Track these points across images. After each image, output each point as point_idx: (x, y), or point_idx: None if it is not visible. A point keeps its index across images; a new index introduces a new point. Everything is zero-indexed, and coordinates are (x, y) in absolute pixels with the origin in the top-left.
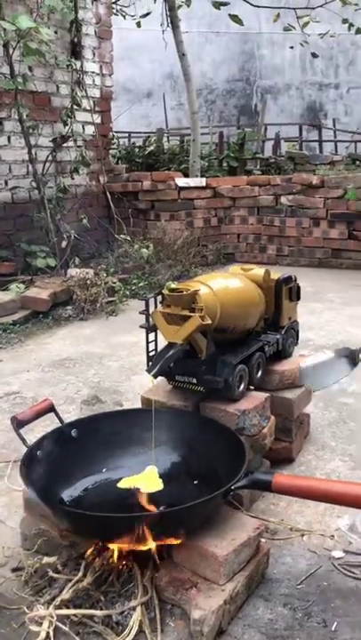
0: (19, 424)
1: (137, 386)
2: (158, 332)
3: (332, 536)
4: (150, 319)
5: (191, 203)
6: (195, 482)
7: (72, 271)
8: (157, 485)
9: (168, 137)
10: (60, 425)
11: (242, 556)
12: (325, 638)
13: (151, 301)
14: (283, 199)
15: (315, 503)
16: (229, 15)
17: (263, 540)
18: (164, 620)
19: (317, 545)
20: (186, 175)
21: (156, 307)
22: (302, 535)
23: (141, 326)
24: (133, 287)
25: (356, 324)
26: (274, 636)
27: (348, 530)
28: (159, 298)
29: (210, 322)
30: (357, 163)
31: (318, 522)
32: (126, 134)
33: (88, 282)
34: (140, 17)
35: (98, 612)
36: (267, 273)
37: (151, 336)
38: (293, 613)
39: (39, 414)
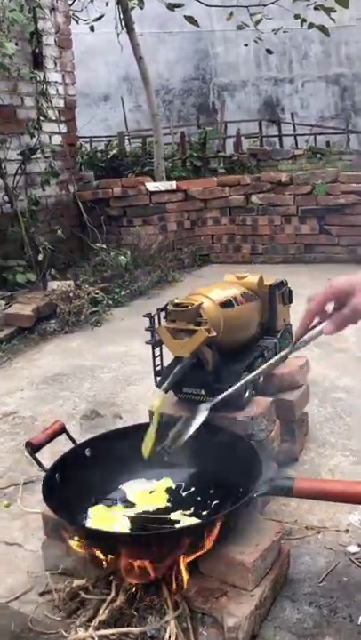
0: (34, 449)
1: (134, 396)
2: (162, 345)
3: (347, 530)
4: (156, 335)
5: (163, 207)
6: (210, 491)
7: (53, 284)
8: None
9: (129, 139)
10: (73, 445)
11: (267, 561)
12: (353, 632)
13: (136, 311)
14: (253, 198)
15: (324, 502)
16: (185, 17)
17: (282, 541)
18: (196, 629)
19: (332, 542)
20: (152, 177)
21: (158, 322)
22: (318, 532)
23: (147, 342)
24: (116, 296)
25: None
26: (304, 635)
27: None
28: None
29: (215, 334)
30: (318, 155)
31: (330, 519)
32: (87, 139)
33: (70, 294)
34: (93, 21)
35: (135, 630)
36: (261, 279)
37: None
38: (320, 611)
39: (52, 436)
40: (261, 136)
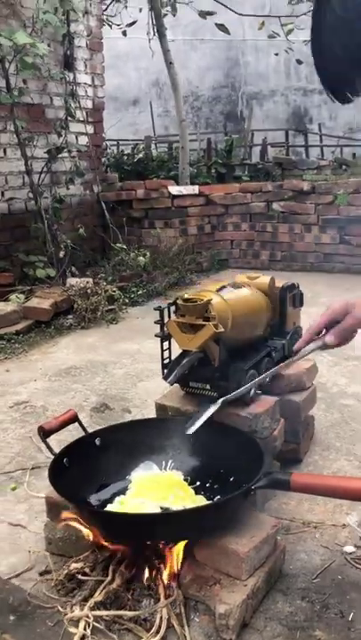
0: (45, 434)
1: (143, 392)
2: (171, 340)
3: (344, 525)
4: (165, 328)
5: (185, 210)
6: (215, 486)
7: (72, 280)
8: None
9: (156, 144)
10: (82, 434)
11: (262, 553)
12: (343, 628)
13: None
14: (275, 205)
15: (324, 501)
16: (216, 24)
17: (279, 537)
18: (188, 615)
19: (329, 541)
20: (176, 182)
21: (169, 316)
22: (315, 527)
23: (156, 335)
24: (132, 295)
25: None
26: (295, 627)
27: (358, 525)
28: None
29: (223, 330)
30: (344, 167)
31: (329, 519)
32: (114, 142)
33: (88, 291)
34: (127, 26)
35: (128, 613)
36: (272, 280)
37: (165, 344)
38: (312, 606)
39: (64, 424)
40: (288, 145)
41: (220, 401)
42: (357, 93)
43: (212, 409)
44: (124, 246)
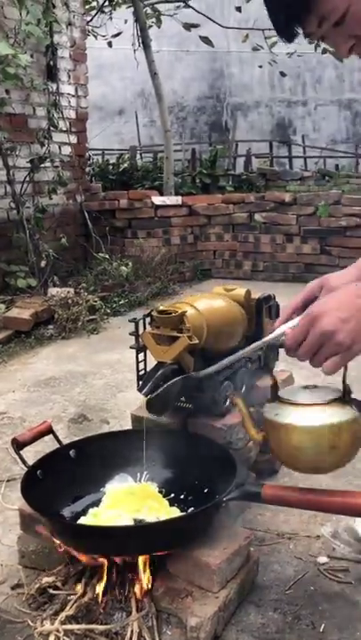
0: (19, 446)
1: (122, 403)
2: (146, 352)
3: (318, 536)
4: (140, 340)
5: (168, 220)
6: (189, 497)
7: (53, 290)
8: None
9: (141, 154)
10: (58, 446)
11: (234, 565)
12: (315, 639)
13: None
14: (257, 216)
15: (299, 513)
16: (200, 37)
17: (252, 548)
18: (160, 628)
19: (303, 552)
20: (160, 192)
21: (144, 328)
22: (289, 538)
23: (131, 347)
24: (114, 305)
25: None
26: (266, 639)
27: (332, 536)
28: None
29: (197, 341)
30: (327, 178)
31: (303, 530)
32: (100, 151)
33: (69, 301)
34: (112, 37)
35: (100, 627)
36: (248, 292)
37: (140, 356)
38: (284, 617)
39: (38, 436)
40: (272, 156)
41: (182, 377)
42: (302, 26)
43: (171, 382)
44: (107, 256)
